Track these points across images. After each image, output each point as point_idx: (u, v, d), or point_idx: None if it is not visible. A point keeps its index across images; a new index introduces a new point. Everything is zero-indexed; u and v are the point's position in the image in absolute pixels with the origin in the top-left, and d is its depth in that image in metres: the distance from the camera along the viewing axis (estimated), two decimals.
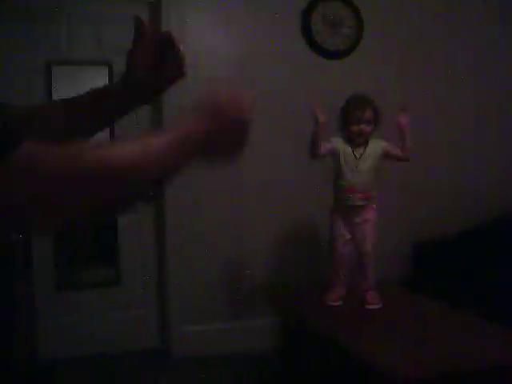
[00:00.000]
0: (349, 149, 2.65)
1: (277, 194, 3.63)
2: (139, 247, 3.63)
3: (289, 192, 3.62)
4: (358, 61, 3.74)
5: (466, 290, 3.23)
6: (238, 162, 0.84)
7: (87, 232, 3.70)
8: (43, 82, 3.37)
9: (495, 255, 3.53)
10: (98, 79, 3.46)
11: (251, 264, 3.61)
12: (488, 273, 3.37)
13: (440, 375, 1.97)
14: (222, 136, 0.78)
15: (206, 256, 3.56)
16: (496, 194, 3.95)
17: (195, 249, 3.55)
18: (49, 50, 3.38)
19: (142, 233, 3.63)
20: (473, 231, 3.82)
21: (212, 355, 3.45)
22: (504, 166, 4.06)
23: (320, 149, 2.62)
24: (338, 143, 2.66)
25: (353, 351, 2.22)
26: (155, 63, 1.05)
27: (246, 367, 3.37)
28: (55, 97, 3.37)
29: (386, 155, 2.67)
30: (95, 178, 0.67)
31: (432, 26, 3.90)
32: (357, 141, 2.64)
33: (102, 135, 1.19)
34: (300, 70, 3.65)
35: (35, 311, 3.12)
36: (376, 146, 2.66)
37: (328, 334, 2.48)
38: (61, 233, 3.47)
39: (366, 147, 2.65)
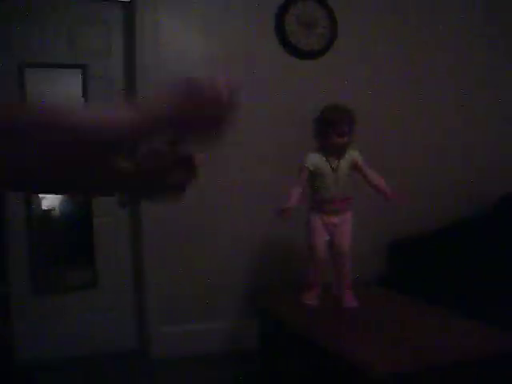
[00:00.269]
0: (325, 162, 2.64)
1: (256, 194, 3.63)
2: (115, 248, 3.62)
3: (268, 192, 3.62)
4: (332, 61, 3.76)
5: (441, 286, 3.27)
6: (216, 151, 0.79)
7: (63, 233, 3.68)
8: (17, 85, 3.34)
9: (470, 252, 3.59)
10: (72, 81, 3.45)
11: (228, 264, 3.61)
12: (463, 269, 3.42)
13: (417, 370, 2.01)
14: (197, 117, 0.72)
15: (183, 256, 3.56)
16: (471, 193, 4.01)
17: (171, 249, 3.54)
18: (22, 52, 3.34)
19: (118, 233, 3.62)
20: (448, 229, 3.87)
21: (190, 356, 3.45)
22: (480, 165, 4.11)
23: (302, 184, 2.65)
24: (315, 159, 2.64)
25: (331, 350, 2.25)
26: None
27: (224, 368, 3.39)
28: (29, 99, 3.35)
29: (354, 167, 2.68)
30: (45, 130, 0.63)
31: (408, 25, 3.94)
32: (337, 152, 2.64)
33: None
34: (275, 70, 3.67)
35: (10, 312, 3.10)
36: (351, 156, 2.67)
37: (306, 333, 2.50)
38: (37, 234, 3.45)
39: (342, 158, 2.66)
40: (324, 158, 2.65)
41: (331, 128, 2.59)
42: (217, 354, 3.48)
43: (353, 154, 2.68)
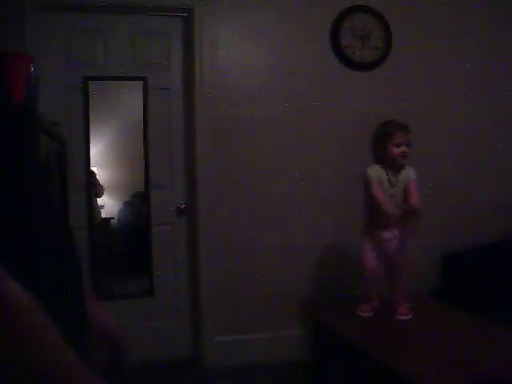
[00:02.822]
0: (385, 175, 2.70)
1: (311, 205, 3.66)
2: (172, 257, 3.67)
3: (325, 204, 3.66)
4: (387, 72, 3.75)
5: (497, 300, 3.21)
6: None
7: (122, 241, 3.76)
8: (81, 97, 3.46)
9: None
10: (133, 92, 3.56)
11: (284, 275, 3.63)
12: None
13: None
14: None
15: (240, 266, 3.60)
16: None
17: (229, 259, 3.59)
18: (86, 66, 3.47)
19: (175, 243, 3.67)
20: (503, 242, 3.80)
21: (244, 365, 3.48)
22: None
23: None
24: (378, 171, 2.70)
25: (384, 362, 2.25)
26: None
27: (278, 378, 3.38)
28: (92, 110, 3.47)
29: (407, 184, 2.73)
30: None
31: (462, 37, 3.89)
32: (398, 163, 2.69)
33: None
34: (329, 81, 3.69)
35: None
36: (409, 174, 2.72)
37: (359, 344, 2.51)
38: (97, 243, 3.54)
39: (399, 173, 2.71)
40: (384, 171, 2.69)
41: (393, 137, 2.65)
42: (271, 363, 3.48)
43: (409, 171, 2.73)
